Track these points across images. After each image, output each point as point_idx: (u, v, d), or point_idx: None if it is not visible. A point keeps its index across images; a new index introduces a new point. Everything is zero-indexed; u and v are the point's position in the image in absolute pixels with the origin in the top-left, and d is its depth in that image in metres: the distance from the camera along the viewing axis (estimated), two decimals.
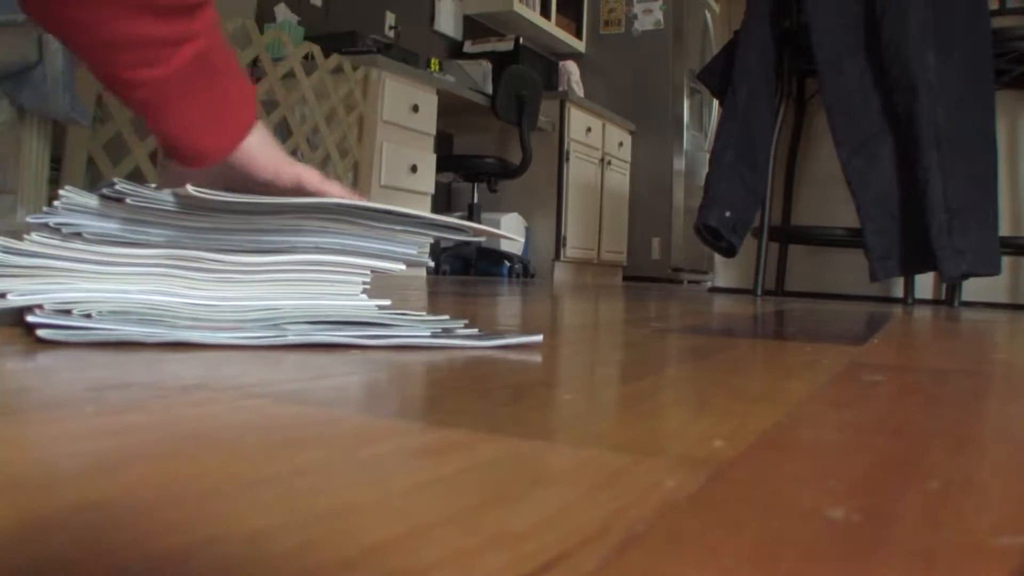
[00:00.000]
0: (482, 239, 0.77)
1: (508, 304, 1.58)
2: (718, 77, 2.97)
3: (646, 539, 0.22)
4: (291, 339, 0.61)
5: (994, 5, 2.76)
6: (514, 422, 0.37)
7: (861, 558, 0.22)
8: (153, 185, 0.66)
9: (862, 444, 0.37)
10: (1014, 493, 0.31)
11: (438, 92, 3.83)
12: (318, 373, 0.51)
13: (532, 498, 0.25)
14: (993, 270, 2.55)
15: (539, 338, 0.74)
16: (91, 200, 0.60)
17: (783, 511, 0.26)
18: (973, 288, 2.82)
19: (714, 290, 3.38)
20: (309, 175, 0.72)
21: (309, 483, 0.26)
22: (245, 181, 0.70)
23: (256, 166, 0.70)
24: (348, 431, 0.34)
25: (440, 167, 3.94)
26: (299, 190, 0.71)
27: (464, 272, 4.34)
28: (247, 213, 0.65)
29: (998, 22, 2.70)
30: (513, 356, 0.65)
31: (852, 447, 0.37)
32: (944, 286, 2.87)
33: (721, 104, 2.95)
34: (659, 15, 5.61)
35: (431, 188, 3.77)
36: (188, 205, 0.62)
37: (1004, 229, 2.72)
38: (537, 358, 0.66)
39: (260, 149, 0.70)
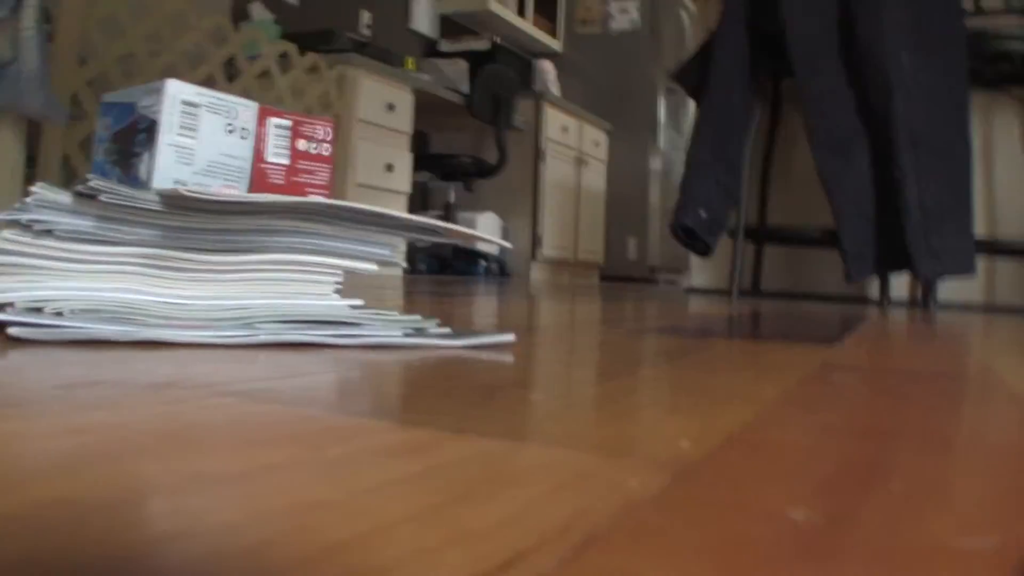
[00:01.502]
0: (458, 240, 0.77)
1: (483, 304, 1.58)
2: (694, 77, 2.97)
3: (607, 538, 0.22)
4: (262, 338, 0.61)
5: (969, 7, 2.78)
6: (483, 422, 0.38)
7: (821, 559, 0.22)
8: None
9: (828, 445, 0.38)
10: (978, 495, 0.31)
11: (414, 91, 3.83)
12: (288, 372, 0.51)
13: (496, 497, 0.25)
14: (968, 271, 2.56)
15: (511, 337, 0.74)
16: (63, 197, 0.60)
17: (746, 511, 0.26)
18: (949, 289, 2.84)
19: (690, 290, 3.39)
20: None
21: (275, 481, 0.26)
22: None
23: None
24: (316, 430, 0.34)
25: (416, 166, 3.94)
26: None
27: (440, 271, 4.33)
28: (221, 213, 0.65)
29: (973, 23, 2.71)
30: (485, 356, 0.65)
31: (818, 448, 0.37)
32: (919, 287, 2.88)
33: (697, 104, 2.96)
34: (635, 15, 5.62)
35: (407, 187, 3.77)
36: (164, 203, 0.62)
37: (979, 230, 2.73)
38: (509, 358, 0.66)
39: None
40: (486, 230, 4.39)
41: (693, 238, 2.83)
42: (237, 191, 0.69)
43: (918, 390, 0.62)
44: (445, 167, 4.29)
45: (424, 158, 4.16)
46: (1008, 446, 0.42)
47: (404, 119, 3.75)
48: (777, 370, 0.67)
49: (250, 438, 0.32)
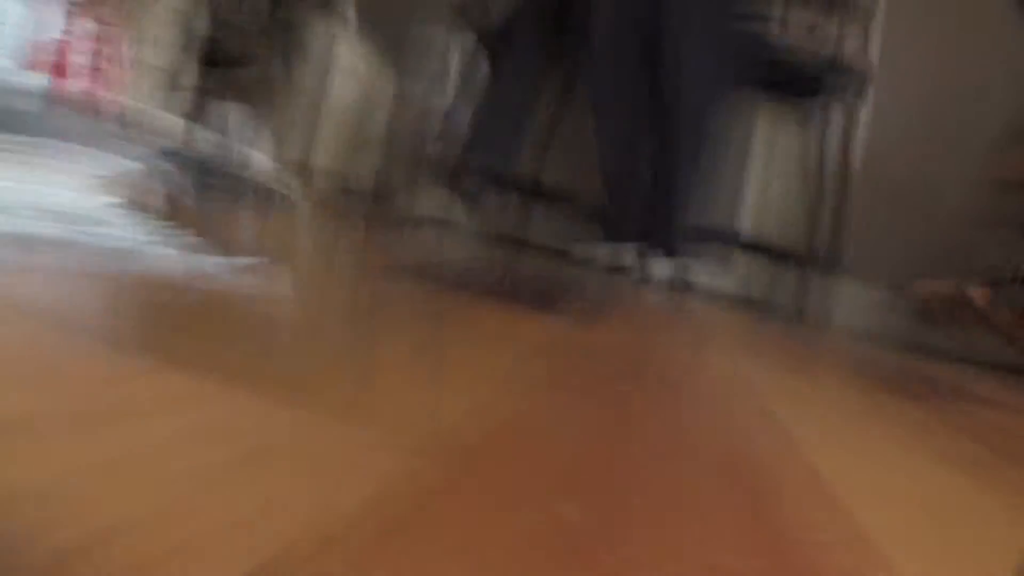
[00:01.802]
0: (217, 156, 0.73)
1: (244, 221, 1.54)
2: (496, 32, 2.96)
3: (404, 528, 0.22)
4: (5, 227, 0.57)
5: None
6: (248, 372, 0.36)
7: (588, 557, 0.22)
8: None
9: (591, 437, 0.38)
10: (729, 506, 0.32)
11: None
12: (32, 271, 0.47)
13: (286, 472, 0.25)
14: (688, 253, 2.65)
15: (266, 260, 0.71)
16: None
17: (520, 504, 0.26)
18: (708, 276, 2.94)
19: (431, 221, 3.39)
20: None
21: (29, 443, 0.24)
22: None
23: None
24: (81, 365, 0.32)
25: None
26: None
27: (204, 183, 4.20)
28: None
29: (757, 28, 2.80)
30: (244, 281, 0.62)
31: (580, 441, 0.37)
32: (676, 266, 2.97)
33: (494, 58, 2.95)
34: None
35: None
36: None
37: (742, 228, 2.84)
38: (267, 287, 0.64)
39: None
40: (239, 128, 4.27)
41: (467, 185, 2.83)
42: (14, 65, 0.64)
43: (681, 384, 0.64)
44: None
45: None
46: (748, 454, 0.43)
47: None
48: (530, 345, 0.68)
49: (11, 374, 0.29)
